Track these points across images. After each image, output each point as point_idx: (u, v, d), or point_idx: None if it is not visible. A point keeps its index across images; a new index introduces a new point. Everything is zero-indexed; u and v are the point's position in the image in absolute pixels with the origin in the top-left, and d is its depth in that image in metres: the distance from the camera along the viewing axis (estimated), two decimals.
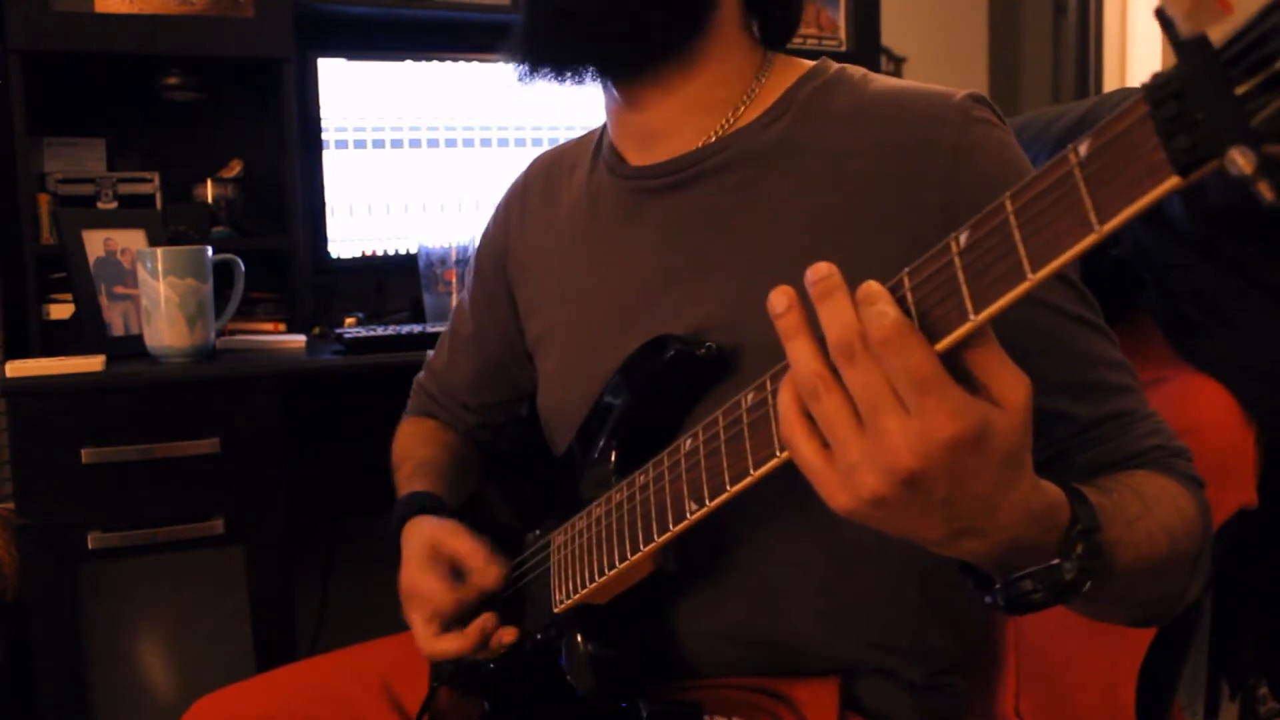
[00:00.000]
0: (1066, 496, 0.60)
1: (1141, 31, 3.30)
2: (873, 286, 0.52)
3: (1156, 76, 0.42)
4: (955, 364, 0.51)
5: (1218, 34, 0.40)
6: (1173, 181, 0.41)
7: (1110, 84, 3.41)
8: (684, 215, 0.88)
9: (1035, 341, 0.73)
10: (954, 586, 0.87)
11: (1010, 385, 0.52)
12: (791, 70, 0.90)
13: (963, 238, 0.49)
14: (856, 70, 0.88)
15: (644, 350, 0.82)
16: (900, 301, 0.51)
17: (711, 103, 0.88)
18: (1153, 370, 1.05)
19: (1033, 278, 0.46)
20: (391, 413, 1.23)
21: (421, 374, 1.21)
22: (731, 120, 0.88)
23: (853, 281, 0.54)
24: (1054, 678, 0.98)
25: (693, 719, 0.81)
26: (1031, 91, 3.70)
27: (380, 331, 1.74)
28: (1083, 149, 0.44)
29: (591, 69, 0.86)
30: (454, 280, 1.89)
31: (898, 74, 3.23)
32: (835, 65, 0.89)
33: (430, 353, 1.21)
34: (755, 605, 0.86)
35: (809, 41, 2.32)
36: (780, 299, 0.54)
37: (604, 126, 0.99)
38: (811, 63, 0.91)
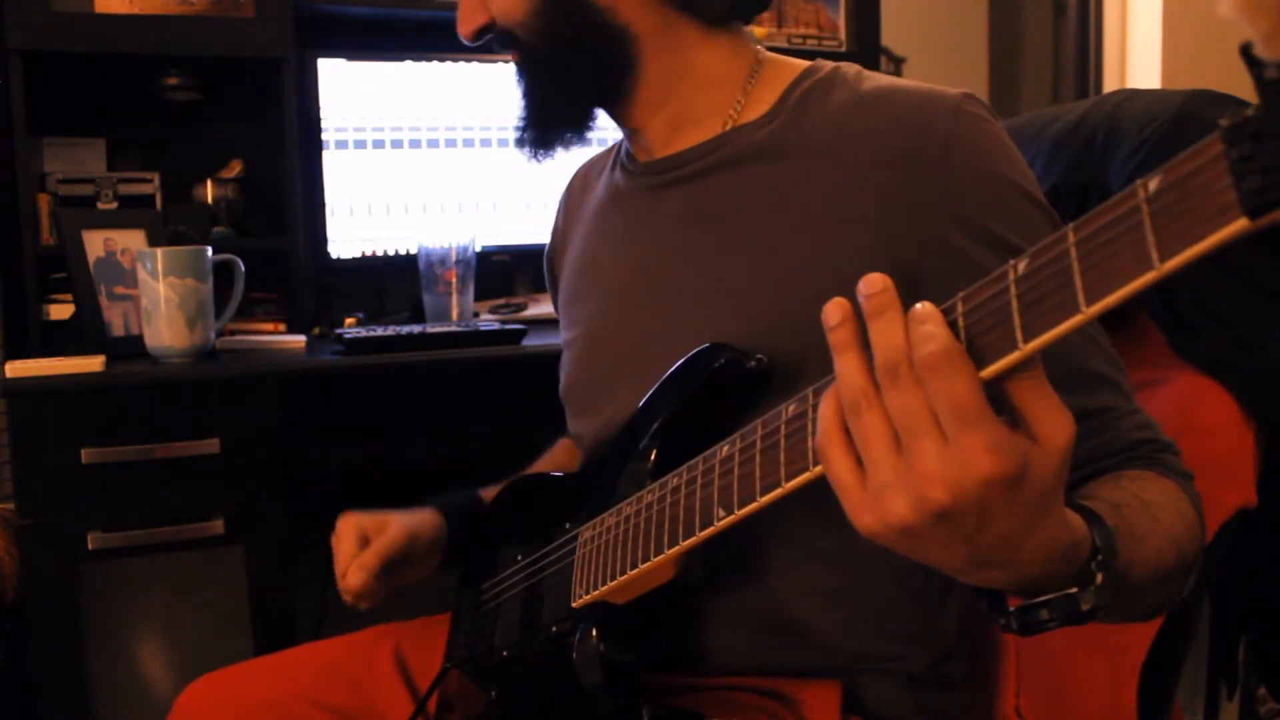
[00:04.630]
0: (1089, 528, 0.59)
1: (1141, 31, 3.29)
2: (926, 307, 0.51)
3: (1237, 114, 0.39)
4: (999, 395, 0.51)
5: None
6: (1240, 224, 0.39)
7: (1110, 84, 3.41)
8: (690, 205, 0.92)
9: None
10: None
11: (1053, 424, 0.51)
12: (786, 72, 0.93)
13: (1021, 265, 0.48)
14: (851, 68, 0.91)
15: (695, 356, 0.83)
16: (951, 325, 0.51)
17: (704, 110, 0.93)
18: (1153, 370, 1.05)
19: (1086, 311, 0.45)
20: (392, 413, 1.22)
21: None
22: (731, 121, 0.92)
23: (855, 272, 0.54)
24: (1054, 677, 0.98)
25: None
26: (1031, 91, 3.69)
27: (380, 332, 1.74)
28: (1152, 185, 0.43)
29: (572, 129, 0.95)
30: (454, 280, 1.89)
31: (897, 74, 3.23)
32: (829, 65, 0.92)
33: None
34: (757, 591, 0.86)
35: (809, 41, 2.32)
36: (835, 312, 0.54)
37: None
38: (806, 63, 0.93)
